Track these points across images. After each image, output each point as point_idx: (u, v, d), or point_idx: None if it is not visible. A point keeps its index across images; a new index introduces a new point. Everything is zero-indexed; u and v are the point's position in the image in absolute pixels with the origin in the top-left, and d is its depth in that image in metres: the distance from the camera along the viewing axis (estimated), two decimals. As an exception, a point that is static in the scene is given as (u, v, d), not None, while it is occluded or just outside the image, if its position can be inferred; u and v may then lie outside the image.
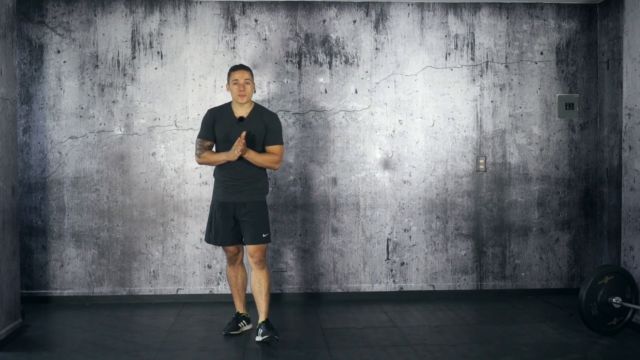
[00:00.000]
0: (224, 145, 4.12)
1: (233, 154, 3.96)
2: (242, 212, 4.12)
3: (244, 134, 3.94)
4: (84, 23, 5.14)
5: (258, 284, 4.12)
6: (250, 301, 4.53)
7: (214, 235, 4.20)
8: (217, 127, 4.14)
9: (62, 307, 5.04)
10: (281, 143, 4.18)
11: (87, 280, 5.17)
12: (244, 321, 4.32)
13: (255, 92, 4.28)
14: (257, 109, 4.21)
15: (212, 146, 4.21)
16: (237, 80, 4.09)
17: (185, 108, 5.19)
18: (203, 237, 5.19)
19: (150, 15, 5.18)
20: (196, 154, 4.18)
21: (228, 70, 4.26)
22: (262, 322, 4.10)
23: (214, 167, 4.24)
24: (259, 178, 4.18)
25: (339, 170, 5.28)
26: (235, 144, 3.93)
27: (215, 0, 5.19)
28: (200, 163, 4.21)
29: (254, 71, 5.07)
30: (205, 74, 5.21)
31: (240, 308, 4.35)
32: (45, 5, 5.12)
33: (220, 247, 4.47)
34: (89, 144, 5.15)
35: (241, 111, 4.15)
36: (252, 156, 4.04)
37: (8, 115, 4.16)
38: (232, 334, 4.23)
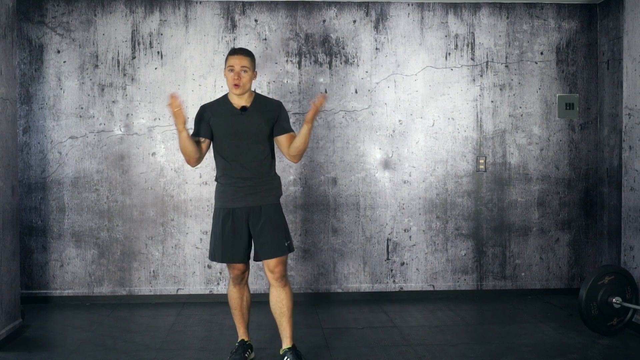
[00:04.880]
0: (227, 140, 3.55)
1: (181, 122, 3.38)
2: (257, 219, 3.54)
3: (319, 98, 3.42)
4: (84, 23, 5.14)
5: (280, 304, 3.59)
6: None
7: (221, 251, 3.56)
8: (214, 123, 3.56)
9: (62, 307, 5.04)
10: (293, 131, 3.66)
11: (87, 280, 5.17)
12: (249, 350, 3.73)
13: (255, 79, 3.71)
14: (259, 98, 3.65)
15: (201, 143, 3.59)
16: (232, 67, 3.51)
17: (185, 108, 5.18)
18: (203, 237, 5.19)
19: (150, 15, 5.18)
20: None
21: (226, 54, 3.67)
22: (289, 348, 3.63)
23: (215, 169, 3.71)
24: (273, 176, 3.64)
25: (339, 170, 5.28)
26: (314, 106, 3.36)
27: (215, 0, 5.19)
28: (186, 160, 3.59)
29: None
30: (205, 74, 5.20)
31: (244, 334, 3.76)
32: (45, 5, 5.11)
33: (224, 264, 4.02)
34: (89, 144, 5.15)
35: (241, 101, 3.59)
36: (308, 134, 3.49)
37: (8, 115, 4.15)
38: None
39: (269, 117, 3.59)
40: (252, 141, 3.54)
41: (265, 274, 3.83)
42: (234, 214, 3.54)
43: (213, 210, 3.70)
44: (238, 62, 3.51)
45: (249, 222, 3.55)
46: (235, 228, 3.54)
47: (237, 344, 3.74)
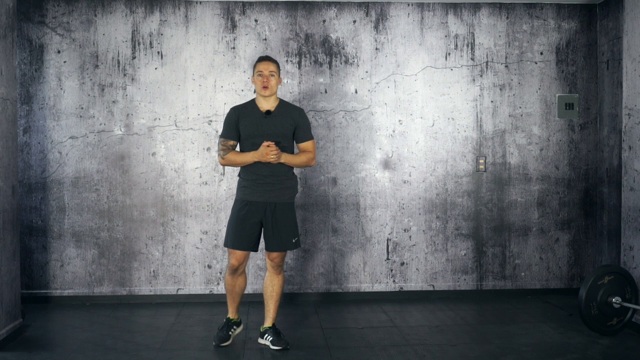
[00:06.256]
0: (250, 142, 3.91)
1: (264, 157, 3.79)
2: (271, 214, 3.91)
3: (272, 144, 3.78)
4: (84, 23, 5.14)
5: (271, 288, 4.01)
6: (246, 301, 4.52)
7: (232, 238, 3.92)
8: (241, 124, 3.92)
9: (62, 307, 5.04)
10: (312, 138, 4.03)
11: (87, 280, 5.17)
12: (234, 327, 4.11)
13: (280, 84, 4.07)
14: (283, 104, 4.02)
15: (236, 146, 3.98)
16: (261, 72, 3.89)
17: (185, 108, 5.19)
18: (203, 237, 5.19)
19: (150, 15, 5.18)
20: (219, 155, 3.96)
21: (254, 62, 4.08)
22: (269, 327, 4.03)
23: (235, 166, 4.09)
24: (290, 175, 3.98)
25: (339, 170, 5.28)
26: (266, 151, 3.77)
27: (215, 0, 5.19)
28: (223, 164, 3.99)
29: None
30: (205, 74, 5.21)
31: (232, 313, 4.11)
32: (45, 5, 5.12)
33: (226, 250, 4.33)
34: (89, 144, 5.15)
35: (267, 105, 3.94)
36: (289, 160, 3.88)
37: (8, 115, 4.16)
38: (222, 345, 3.99)
39: (291, 122, 3.95)
40: (274, 142, 3.85)
41: (265, 266, 4.04)
42: (251, 206, 3.90)
43: (233, 202, 4.07)
44: (266, 67, 3.91)
45: (263, 215, 3.91)
46: (251, 218, 3.90)
47: (224, 320, 4.14)
